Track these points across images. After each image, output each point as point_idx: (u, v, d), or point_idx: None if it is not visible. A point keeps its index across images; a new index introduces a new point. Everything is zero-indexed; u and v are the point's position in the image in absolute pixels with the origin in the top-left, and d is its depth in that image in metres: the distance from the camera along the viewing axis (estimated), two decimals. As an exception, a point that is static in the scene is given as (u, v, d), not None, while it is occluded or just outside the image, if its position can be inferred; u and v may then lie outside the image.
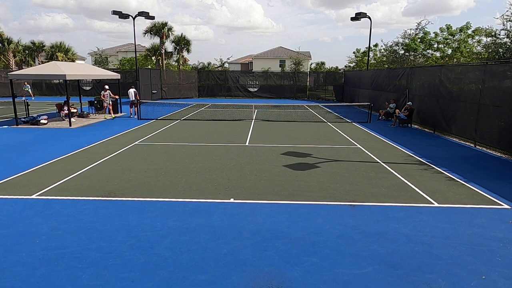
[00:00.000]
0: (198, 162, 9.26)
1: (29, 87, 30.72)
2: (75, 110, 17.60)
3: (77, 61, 40.31)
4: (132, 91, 19.19)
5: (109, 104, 18.34)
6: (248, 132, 14.19)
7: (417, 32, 25.46)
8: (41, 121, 15.40)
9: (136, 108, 18.55)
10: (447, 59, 24.58)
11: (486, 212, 6.19)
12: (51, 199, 6.50)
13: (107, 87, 18.41)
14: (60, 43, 36.75)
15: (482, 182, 7.81)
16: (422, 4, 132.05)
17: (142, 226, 5.46)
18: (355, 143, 12.23)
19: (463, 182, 7.82)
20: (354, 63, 41.29)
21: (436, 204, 6.50)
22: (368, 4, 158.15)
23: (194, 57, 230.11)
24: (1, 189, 7.03)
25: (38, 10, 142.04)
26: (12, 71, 28.32)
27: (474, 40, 23.66)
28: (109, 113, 18.49)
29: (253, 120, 17.64)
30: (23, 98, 28.81)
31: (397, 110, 16.79)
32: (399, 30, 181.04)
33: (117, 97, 19.03)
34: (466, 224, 5.67)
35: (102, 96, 18.41)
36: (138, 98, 19.06)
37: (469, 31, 24.21)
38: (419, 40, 25.30)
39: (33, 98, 30.13)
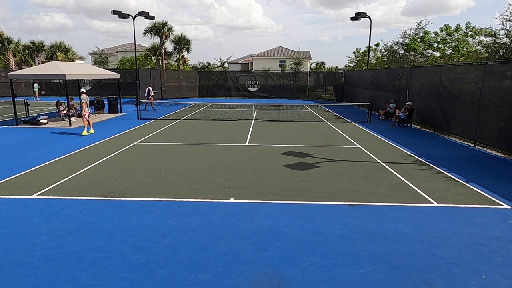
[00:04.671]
0: (198, 162, 9.26)
1: (38, 86, 31.12)
2: (73, 110, 17.58)
3: (77, 61, 40.33)
4: (149, 88, 21.58)
5: (87, 113, 13.41)
6: (248, 132, 14.19)
7: (417, 32, 25.47)
8: (41, 121, 15.41)
9: (145, 105, 20.80)
10: (446, 59, 24.59)
11: (486, 211, 6.19)
12: (51, 199, 6.50)
13: (83, 90, 13.75)
14: (60, 43, 36.74)
15: (482, 182, 7.81)
16: (421, 4, 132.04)
17: (142, 226, 5.46)
18: (355, 143, 12.23)
19: (463, 182, 7.83)
20: (354, 63, 41.30)
21: (436, 204, 6.50)
22: (367, 4, 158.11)
23: (194, 57, 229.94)
24: (1, 189, 7.03)
25: (37, 10, 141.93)
26: (12, 71, 28.34)
27: (474, 40, 23.67)
28: (81, 124, 14.03)
29: (253, 120, 17.64)
30: (36, 98, 29.48)
31: (397, 110, 16.79)
32: (399, 30, 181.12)
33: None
34: (466, 224, 5.67)
35: (77, 106, 13.74)
36: (149, 95, 21.45)
37: (468, 31, 24.21)
38: (419, 40, 25.31)
39: (38, 98, 30.45)
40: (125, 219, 5.70)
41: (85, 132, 13.18)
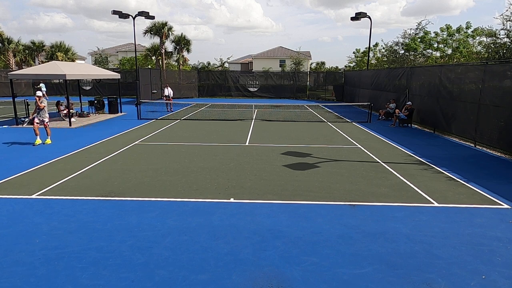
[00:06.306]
0: (198, 162, 9.26)
1: (44, 85, 31.22)
2: (73, 110, 17.56)
3: (77, 61, 40.34)
4: (169, 90, 22.17)
5: (46, 118, 11.48)
6: (248, 132, 14.19)
7: (417, 32, 25.47)
8: (41, 121, 15.39)
9: (170, 104, 21.91)
10: (446, 59, 24.57)
11: (486, 211, 6.19)
12: (51, 199, 6.50)
13: (39, 94, 11.49)
14: (60, 43, 36.73)
15: (482, 182, 7.81)
16: (421, 4, 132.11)
17: (142, 226, 5.46)
18: (355, 143, 12.23)
19: (463, 182, 7.82)
20: (354, 63, 41.31)
21: (436, 204, 6.50)
22: (367, 4, 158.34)
23: (194, 57, 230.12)
24: (1, 189, 7.03)
25: (37, 9, 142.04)
26: (12, 71, 28.34)
27: (474, 40, 23.65)
28: (36, 133, 11.20)
29: (253, 120, 17.64)
30: (46, 98, 29.62)
31: (397, 110, 16.79)
32: (399, 30, 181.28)
33: (43, 106, 11.36)
34: (466, 224, 5.67)
35: (37, 105, 11.33)
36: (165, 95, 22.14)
37: (469, 31, 24.21)
38: (419, 40, 25.30)
39: (48, 98, 30.44)
40: (125, 219, 5.70)
41: (48, 141, 11.46)
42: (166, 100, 22.08)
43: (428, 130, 15.34)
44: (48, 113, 11.76)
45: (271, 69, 40.61)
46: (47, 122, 11.50)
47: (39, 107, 11.29)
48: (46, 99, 12.14)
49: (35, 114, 11.42)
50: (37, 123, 11.32)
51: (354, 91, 27.85)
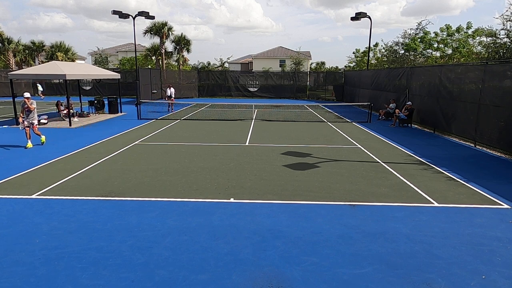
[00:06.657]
0: (198, 162, 9.26)
1: (41, 86, 31.70)
2: (72, 110, 17.54)
3: (77, 61, 40.35)
4: (172, 90, 22.22)
5: (34, 122, 11.10)
6: (248, 132, 14.19)
7: (417, 32, 25.47)
8: (41, 121, 15.38)
9: (171, 105, 21.87)
10: (446, 59, 24.57)
11: (486, 211, 6.19)
12: (51, 199, 6.50)
13: (27, 95, 10.91)
14: (60, 43, 36.73)
15: (482, 182, 7.81)
16: (421, 4, 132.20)
17: (142, 226, 5.46)
18: (355, 143, 12.23)
19: (463, 182, 7.82)
20: (354, 63, 41.32)
21: (436, 204, 6.50)
22: (367, 4, 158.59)
23: (194, 57, 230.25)
24: (1, 189, 7.03)
25: (37, 9, 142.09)
26: (12, 71, 28.34)
27: (474, 41, 23.64)
28: (28, 137, 10.93)
29: (253, 120, 17.64)
30: (42, 98, 30.40)
31: (397, 110, 16.79)
32: (398, 30, 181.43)
33: (32, 108, 10.92)
34: (466, 224, 5.67)
35: (22, 112, 10.99)
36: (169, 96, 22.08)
37: (470, 31, 24.21)
38: (419, 40, 25.30)
39: (44, 98, 30.99)
40: (125, 219, 5.70)
41: (42, 139, 11.27)
42: (168, 100, 22.07)
43: (428, 130, 15.34)
44: (46, 114, 11.69)
45: (271, 69, 40.59)
46: (36, 125, 11.14)
47: (29, 109, 10.83)
48: (42, 99, 12.10)
49: (24, 117, 10.94)
50: (27, 126, 10.90)
51: (354, 91, 27.86)
